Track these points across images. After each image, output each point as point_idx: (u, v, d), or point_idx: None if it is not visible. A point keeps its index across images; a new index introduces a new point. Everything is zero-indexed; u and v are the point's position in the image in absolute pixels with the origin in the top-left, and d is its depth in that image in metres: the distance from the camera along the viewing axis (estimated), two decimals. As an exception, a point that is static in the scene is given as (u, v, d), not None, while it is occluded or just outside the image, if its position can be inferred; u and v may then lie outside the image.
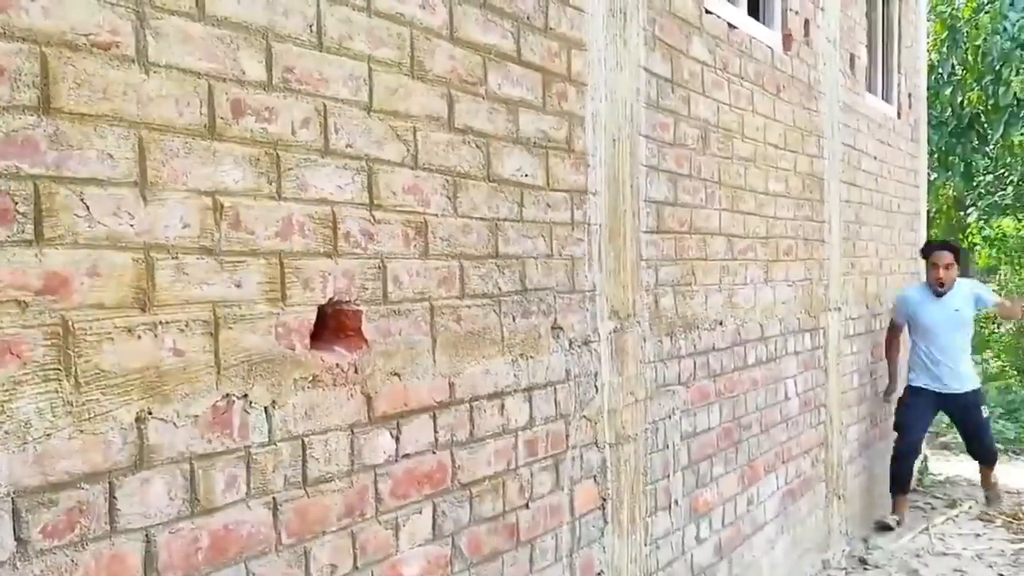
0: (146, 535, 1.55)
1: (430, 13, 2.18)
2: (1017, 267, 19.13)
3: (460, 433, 2.29)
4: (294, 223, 1.82)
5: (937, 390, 5.89)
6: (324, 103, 1.88)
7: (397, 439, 2.10)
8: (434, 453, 2.20)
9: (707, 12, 3.67)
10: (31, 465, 1.37)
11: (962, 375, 5.92)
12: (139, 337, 1.53)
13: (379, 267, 2.03)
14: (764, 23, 4.40)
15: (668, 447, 3.39)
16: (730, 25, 3.88)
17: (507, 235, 2.46)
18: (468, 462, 2.32)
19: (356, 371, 1.98)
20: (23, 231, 1.36)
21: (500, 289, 2.43)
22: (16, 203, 1.35)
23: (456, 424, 2.28)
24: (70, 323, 1.42)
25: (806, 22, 4.73)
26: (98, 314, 1.46)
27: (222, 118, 1.67)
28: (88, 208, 1.44)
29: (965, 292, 5.96)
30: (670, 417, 3.40)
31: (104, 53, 1.47)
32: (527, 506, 2.55)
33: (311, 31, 1.86)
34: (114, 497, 1.49)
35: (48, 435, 1.39)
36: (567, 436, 2.73)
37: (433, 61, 2.19)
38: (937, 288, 5.83)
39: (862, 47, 5.82)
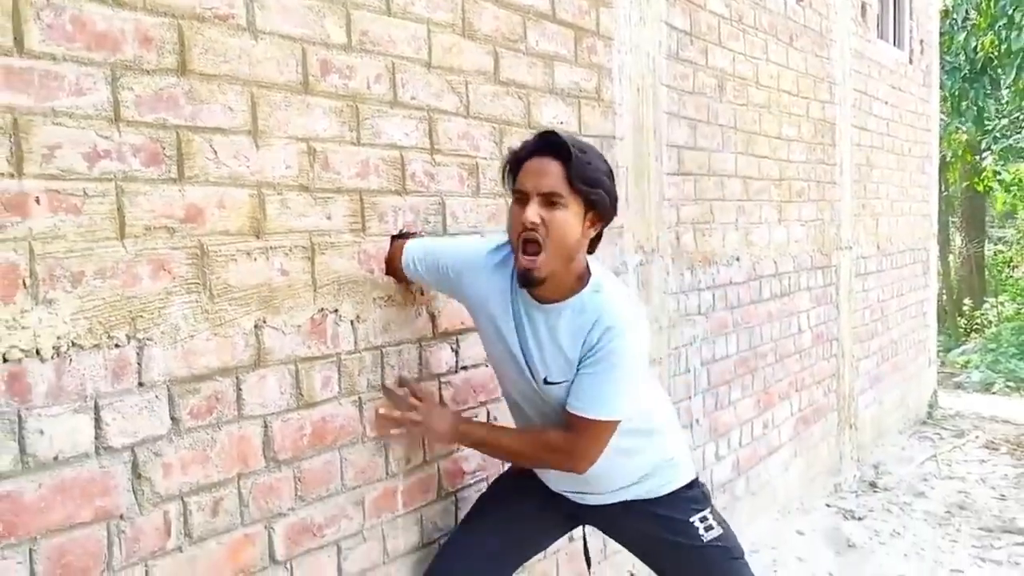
0: (264, 422, 1.89)
1: (477, -21, 2.47)
2: (1035, 211, 19.25)
3: (509, 350, 2.62)
4: (371, 165, 2.14)
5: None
6: (393, 61, 2.19)
7: (456, 352, 2.43)
8: (487, 366, 2.52)
9: (723, -32, 3.92)
10: (180, 359, 1.71)
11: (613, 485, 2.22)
12: (255, 259, 1.85)
13: (439, 203, 2.35)
14: (777, -24, 4.64)
15: (689, 371, 3.72)
16: (745, -21, 4.13)
17: (546, 176, 2.76)
18: (516, 375, 2.64)
19: (422, 293, 2.30)
20: (169, 171, 1.68)
21: (540, 224, 2.74)
22: (163, 148, 1.67)
23: (505, 342, 2.60)
24: (205, 246, 1.75)
25: (818, -27, 4.96)
26: (225, 239, 1.79)
27: (313, 76, 1.98)
28: (216, 152, 1.76)
29: (589, 315, 1.99)
30: (691, 344, 3.72)
31: (223, 23, 1.78)
32: (566, 416, 2.88)
33: (381, -1, 2.16)
34: (240, 389, 1.83)
35: (192, 336, 1.73)
36: (600, 357, 3.06)
37: (481, 21, 2.48)
38: (523, 265, 1.94)
39: (873, -5, 6.03)
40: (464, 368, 2.46)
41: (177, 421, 1.71)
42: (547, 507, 2.28)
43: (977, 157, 13.96)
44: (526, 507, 2.28)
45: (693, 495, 2.23)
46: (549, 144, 1.94)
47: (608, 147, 3.09)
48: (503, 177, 2.02)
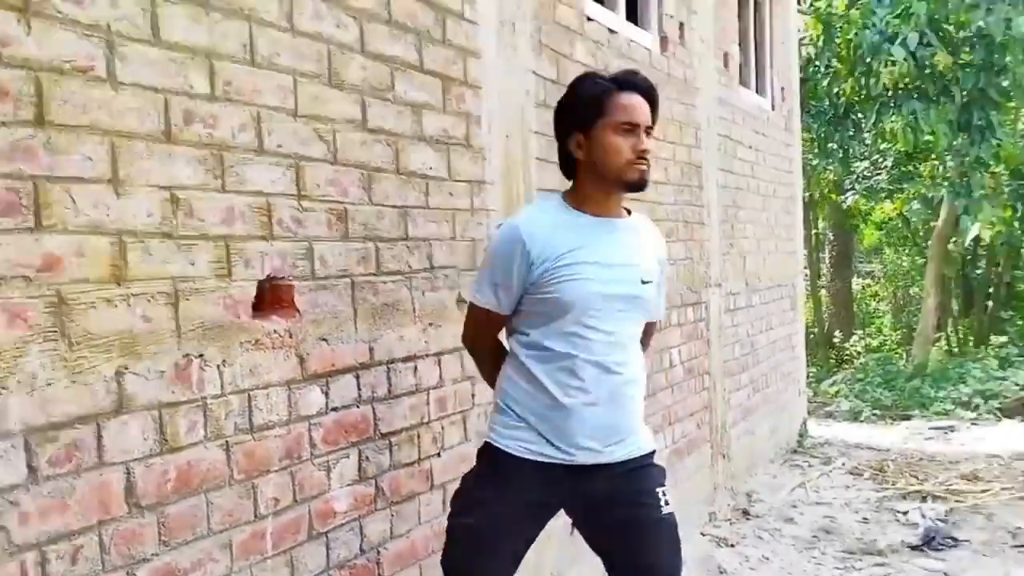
0: (126, 468, 1.90)
1: (344, 30, 2.54)
2: (899, 249, 20.39)
3: (380, 390, 2.67)
4: (236, 212, 2.18)
5: (562, 460, 2.34)
6: (258, 111, 2.24)
7: (326, 394, 2.47)
8: (358, 407, 2.58)
9: (588, 19, 4.11)
10: (38, 408, 1.71)
11: (635, 424, 2.43)
12: (116, 306, 1.87)
13: (307, 248, 2.40)
14: (642, 27, 4.87)
15: (563, 407, 3.81)
16: (610, 30, 4.33)
17: (415, 220, 2.84)
18: (387, 415, 2.70)
19: (291, 336, 2.34)
20: (26, 220, 1.69)
21: (411, 267, 2.82)
22: (20, 198, 1.68)
23: (376, 382, 2.66)
24: (63, 295, 1.76)
25: (680, 25, 5.22)
26: (84, 287, 1.80)
27: (176, 125, 2.02)
28: (75, 201, 1.78)
29: (649, 234, 2.55)
30: (564, 381, 3.83)
31: (83, 75, 1.80)
32: (439, 455, 2.95)
33: (246, 50, 2.21)
34: (101, 436, 1.84)
35: (50, 384, 1.73)
36: (473, 395, 3.14)
37: (348, 72, 2.56)
38: (642, 174, 2.36)
39: (735, 46, 6.36)
40: (335, 409, 2.50)
41: (35, 470, 1.70)
42: (536, 499, 2.38)
43: (842, 197, 14.71)
44: (523, 500, 2.37)
45: (661, 467, 2.47)
46: (643, 88, 2.43)
47: (478, 191, 3.19)
48: (585, 111, 2.41)
